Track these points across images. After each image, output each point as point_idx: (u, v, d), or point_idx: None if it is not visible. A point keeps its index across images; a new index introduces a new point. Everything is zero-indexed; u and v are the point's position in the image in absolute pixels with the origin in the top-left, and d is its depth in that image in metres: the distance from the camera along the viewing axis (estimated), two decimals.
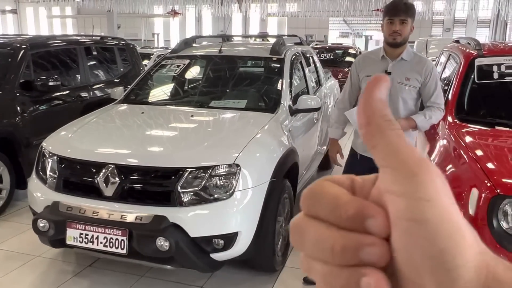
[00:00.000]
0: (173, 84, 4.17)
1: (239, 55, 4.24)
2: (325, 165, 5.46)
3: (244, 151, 2.72)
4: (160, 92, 4.07)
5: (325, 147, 5.13)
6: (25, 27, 41.37)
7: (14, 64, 4.38)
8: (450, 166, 2.61)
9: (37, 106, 4.50)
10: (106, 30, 29.90)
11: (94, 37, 5.86)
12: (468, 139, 2.75)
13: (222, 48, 4.12)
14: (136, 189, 2.64)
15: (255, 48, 4.55)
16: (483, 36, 27.46)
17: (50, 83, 4.45)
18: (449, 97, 3.24)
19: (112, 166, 2.65)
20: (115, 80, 5.74)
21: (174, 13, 25.72)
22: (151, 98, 3.89)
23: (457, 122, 3.00)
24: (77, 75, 5.17)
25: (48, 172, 2.91)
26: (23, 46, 4.53)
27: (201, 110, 3.47)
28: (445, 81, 3.78)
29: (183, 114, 3.37)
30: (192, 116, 3.27)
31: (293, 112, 3.57)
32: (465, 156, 2.49)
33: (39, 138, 4.49)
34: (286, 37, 4.77)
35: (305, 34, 29.44)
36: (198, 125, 3.17)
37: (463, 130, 2.86)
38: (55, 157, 2.87)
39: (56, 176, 2.84)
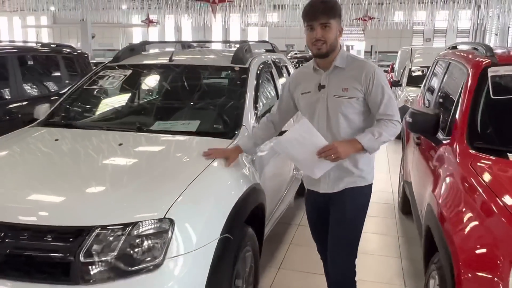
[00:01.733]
0: (109, 101, 3.35)
1: (194, 64, 3.43)
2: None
3: (182, 199, 1.92)
4: (91, 112, 3.23)
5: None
6: None
7: None
8: (469, 217, 1.86)
9: None
10: (78, 40, 28.85)
11: (31, 44, 4.99)
12: (490, 177, 2.01)
13: (173, 57, 3.33)
14: (21, 258, 1.81)
15: (214, 56, 3.77)
16: None
17: None
18: (457, 118, 2.51)
19: None
20: (59, 93, 4.89)
21: (149, 22, 24.80)
22: (78, 119, 3.05)
23: (471, 151, 2.26)
24: (5, 90, 4.30)
25: None
26: None
27: (138, 135, 2.64)
28: (447, 97, 3.07)
29: (110, 142, 2.53)
30: (120, 144, 2.44)
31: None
32: (493, 206, 1.74)
33: None
34: (254, 43, 4.01)
35: (286, 44, 28.92)
36: (125, 159, 2.33)
37: (482, 164, 2.12)
38: None
39: None
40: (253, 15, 31.62)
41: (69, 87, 3.37)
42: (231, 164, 2.32)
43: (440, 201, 2.12)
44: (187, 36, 38.10)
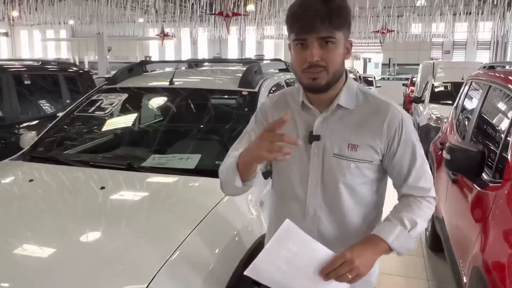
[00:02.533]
0: (100, 131, 2.99)
1: (196, 88, 3.05)
2: None
3: (166, 269, 1.52)
4: (80, 142, 2.87)
5: None
6: (19, 50, 40.66)
7: None
8: None
9: None
10: (95, 53, 29.04)
11: (31, 63, 4.71)
12: None
13: (173, 79, 2.96)
14: None
15: (221, 78, 3.38)
16: (484, 58, 26.67)
17: None
18: (509, 156, 2.06)
19: None
20: (52, 118, 4.58)
21: (164, 35, 24.78)
22: (62, 153, 2.68)
23: None
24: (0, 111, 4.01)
25: None
26: None
27: (125, 174, 2.25)
28: (491, 129, 2.62)
29: (91, 184, 2.14)
30: (102, 188, 2.05)
31: (269, 173, 2.39)
32: None
33: None
34: (266, 61, 3.63)
35: None
36: (105, 209, 1.94)
37: None
38: None
39: None
40: (268, 27, 31.49)
41: (60, 116, 3.02)
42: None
43: (495, 274, 1.67)
44: (203, 49, 38.12)
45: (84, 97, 3.15)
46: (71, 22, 30.56)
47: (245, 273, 1.22)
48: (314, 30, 1.20)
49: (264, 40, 36.25)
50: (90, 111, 2.93)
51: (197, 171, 2.30)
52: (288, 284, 1.22)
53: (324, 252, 1.22)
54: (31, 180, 2.19)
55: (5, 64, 4.35)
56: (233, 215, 2.00)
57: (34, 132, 3.02)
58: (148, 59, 32.45)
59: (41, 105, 4.55)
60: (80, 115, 2.98)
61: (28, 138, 2.91)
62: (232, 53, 37.99)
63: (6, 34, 38.33)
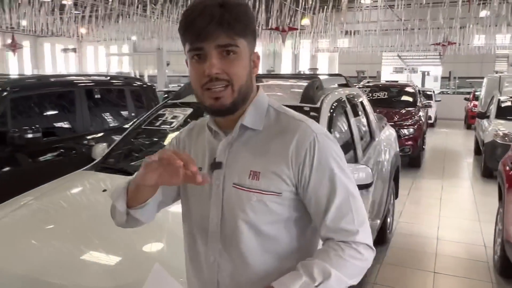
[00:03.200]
0: (165, 142, 3.10)
1: None
2: (381, 238, 4.18)
3: None
4: (147, 153, 3.00)
5: (378, 221, 3.85)
6: (85, 64, 43.30)
7: None
8: None
9: (11, 162, 3.60)
10: (154, 68, 30.33)
11: (100, 77, 5.00)
12: None
13: None
14: None
15: (281, 94, 3.42)
16: None
17: (29, 135, 3.55)
18: None
19: None
20: (119, 130, 4.82)
21: None
22: (132, 164, 2.82)
23: None
24: (71, 124, 4.28)
25: None
26: (4, 89, 3.70)
27: None
28: None
29: None
30: None
31: None
32: None
33: None
34: (326, 77, 3.63)
35: (357, 69, 28.20)
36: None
37: None
38: None
39: None
40: (323, 41, 31.40)
41: (130, 125, 3.18)
42: None
43: None
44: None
45: (150, 111, 3.30)
46: (133, 38, 32.19)
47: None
48: (211, 37, 0.99)
49: (318, 53, 36.22)
50: (156, 124, 3.06)
51: None
52: None
53: None
54: (104, 190, 2.31)
55: (78, 80, 4.65)
56: None
57: (105, 144, 3.20)
58: None
59: (108, 117, 4.81)
60: (147, 129, 3.11)
61: (100, 150, 3.09)
62: (286, 67, 38.24)
63: (74, 50, 40.93)
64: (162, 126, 3.02)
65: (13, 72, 37.09)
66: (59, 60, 42.91)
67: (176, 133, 3.13)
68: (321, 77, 3.33)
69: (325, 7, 16.44)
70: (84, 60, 44.22)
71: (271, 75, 6.71)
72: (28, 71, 38.18)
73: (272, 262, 1.06)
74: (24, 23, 28.48)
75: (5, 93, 3.68)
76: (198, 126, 1.22)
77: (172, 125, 2.96)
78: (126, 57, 43.98)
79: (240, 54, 1.03)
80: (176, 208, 1.24)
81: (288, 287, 0.97)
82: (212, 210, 1.09)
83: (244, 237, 1.06)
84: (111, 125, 4.77)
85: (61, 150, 4.04)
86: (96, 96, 4.59)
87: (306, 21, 23.74)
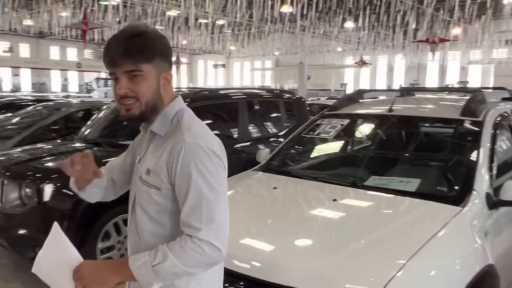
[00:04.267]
0: (324, 151, 3.36)
1: (417, 116, 3.17)
2: None
3: (402, 275, 1.70)
4: (307, 159, 3.30)
5: None
6: (231, 78, 46.92)
7: None
8: None
9: None
10: (295, 81, 31.42)
11: (258, 91, 5.53)
12: None
13: (393, 106, 3.15)
14: None
15: (440, 107, 3.42)
16: None
17: None
18: None
19: None
20: (275, 138, 5.26)
21: (362, 63, 25.17)
22: (294, 168, 3.15)
23: None
24: (234, 131, 4.84)
25: None
26: (185, 100, 4.40)
27: (351, 190, 2.54)
28: None
29: (324, 195, 2.49)
30: (334, 200, 2.37)
31: (494, 204, 2.35)
32: None
33: None
34: (489, 90, 3.51)
35: None
36: (338, 219, 2.25)
37: None
38: None
39: None
40: (476, 51, 28.84)
41: (291, 135, 3.52)
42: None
43: None
44: (399, 76, 37.18)
45: (309, 121, 3.60)
46: (276, 53, 33.93)
47: (32, 270, 1.40)
48: (117, 65, 1.29)
49: (469, 65, 33.32)
50: (315, 133, 3.34)
51: (418, 194, 2.41)
52: (57, 283, 1.36)
53: (76, 258, 1.31)
54: (275, 188, 2.66)
55: (241, 92, 5.25)
56: (454, 244, 2.04)
57: (268, 149, 3.61)
58: (343, 86, 33.36)
59: (265, 126, 5.29)
60: (306, 137, 3.42)
61: (264, 154, 3.49)
62: (431, 80, 35.98)
63: (223, 66, 44.68)
64: (321, 135, 3.29)
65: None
66: (209, 75, 47.23)
67: (333, 142, 3.37)
68: (483, 91, 3.25)
69: (482, 15, 15.21)
70: (231, 75, 47.87)
71: (425, 89, 6.54)
72: (184, 84, 43.02)
73: (160, 242, 1.30)
74: (184, 42, 32.29)
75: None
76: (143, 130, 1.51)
77: (330, 134, 3.21)
78: (268, 72, 46.35)
79: (145, 76, 1.31)
80: None
81: (136, 261, 1.25)
82: (131, 193, 1.46)
83: (140, 218, 1.38)
84: (267, 133, 5.24)
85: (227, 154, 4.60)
86: (255, 107, 5.11)
87: (457, 31, 22.19)
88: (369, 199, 2.45)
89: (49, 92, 30.49)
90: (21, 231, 3.42)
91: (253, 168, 3.27)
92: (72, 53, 37.19)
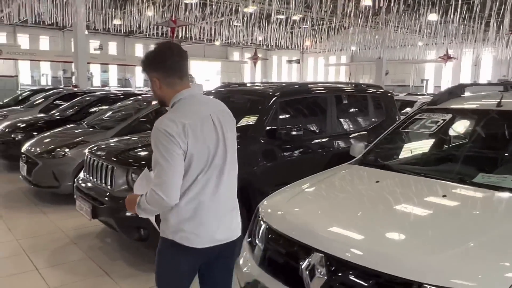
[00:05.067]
0: (425, 146, 3.26)
1: None
2: None
3: None
4: (407, 155, 3.23)
5: None
6: (305, 74, 46.67)
7: (263, 112, 4.36)
8: None
9: (278, 155, 4.33)
10: (374, 76, 30.51)
11: (347, 85, 5.47)
12: None
13: (502, 100, 2.98)
14: None
15: None
16: None
17: (293, 133, 4.22)
18: None
19: (320, 254, 2.00)
20: (363, 132, 5.19)
21: (447, 57, 23.76)
22: (393, 162, 3.09)
23: None
24: (323, 125, 4.85)
25: (257, 240, 2.50)
26: (274, 94, 4.49)
27: (460, 187, 2.45)
28: None
29: (432, 191, 2.43)
30: (444, 196, 2.30)
31: None
32: None
33: (276, 189, 4.35)
34: None
35: None
36: (452, 213, 2.19)
37: None
38: (265, 225, 2.44)
39: (262, 248, 2.40)
40: None
41: (387, 130, 3.46)
42: None
43: None
44: (486, 72, 34.66)
45: (407, 116, 3.51)
46: (353, 48, 33.14)
47: (134, 192, 2.01)
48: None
49: None
50: (414, 128, 3.25)
51: None
52: None
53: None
54: (377, 181, 2.65)
55: (329, 87, 5.24)
56: None
57: (362, 143, 3.58)
58: (424, 82, 31.79)
59: (353, 121, 5.24)
60: (403, 131, 3.34)
61: (359, 148, 3.47)
62: None
63: (297, 61, 44.56)
64: (421, 130, 3.20)
65: (247, 80, 42.89)
66: (283, 70, 47.32)
67: (434, 137, 3.25)
68: None
69: None
70: (305, 70, 47.60)
71: None
72: (258, 79, 43.56)
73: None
74: (260, 38, 32.67)
75: (275, 98, 4.44)
76: None
77: (431, 129, 3.11)
78: (343, 67, 45.45)
79: (153, 81, 2.00)
80: None
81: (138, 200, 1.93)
82: None
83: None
84: (355, 128, 5.19)
85: (314, 148, 4.63)
86: (343, 102, 5.08)
87: None
88: (481, 196, 2.35)
89: (132, 87, 32.54)
90: (128, 213, 3.71)
91: (349, 162, 3.26)
92: None
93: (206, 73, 40.39)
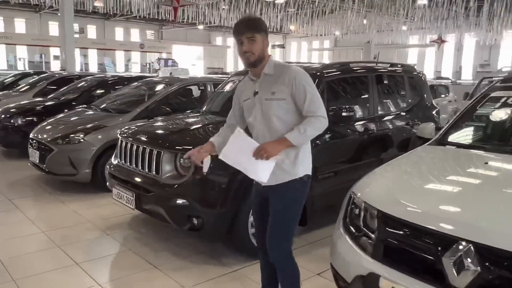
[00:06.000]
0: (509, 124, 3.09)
1: None
2: None
3: None
4: (495, 134, 3.04)
5: None
6: (288, 58, 46.42)
7: None
8: None
9: (327, 137, 4.08)
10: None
11: (385, 65, 5.25)
12: None
13: None
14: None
15: None
16: None
17: (343, 114, 3.98)
18: None
19: (469, 245, 1.79)
20: (402, 113, 5.01)
21: (441, 41, 23.87)
22: (483, 143, 2.91)
23: None
24: (366, 106, 4.63)
25: (362, 229, 2.28)
26: (320, 73, 4.23)
27: None
28: None
29: None
30: None
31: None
32: None
33: (324, 172, 4.13)
34: None
35: None
36: None
37: None
38: (375, 212, 2.21)
39: (373, 238, 2.17)
40: None
41: (462, 110, 3.27)
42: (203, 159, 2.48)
43: None
44: (468, 56, 35.17)
45: (479, 95, 3.32)
46: (337, 33, 32.97)
47: (219, 157, 2.31)
48: (243, 33, 2.30)
49: None
50: (495, 106, 3.07)
51: None
52: (241, 164, 2.28)
53: (255, 144, 2.26)
54: (486, 163, 2.45)
55: (371, 67, 5.01)
56: None
57: (432, 123, 3.38)
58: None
59: (393, 102, 5.04)
60: (482, 111, 3.16)
61: (429, 128, 3.29)
62: (504, 60, 33.70)
63: (282, 46, 44.11)
64: (503, 108, 3.02)
65: (230, 65, 42.38)
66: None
67: None
68: None
69: None
70: (288, 55, 47.32)
71: None
72: (240, 64, 42.97)
73: (282, 128, 2.34)
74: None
75: (323, 77, 4.18)
76: (245, 80, 2.55)
77: None
78: (326, 52, 45.36)
79: (255, 40, 2.31)
80: None
81: (291, 135, 2.26)
82: (257, 113, 2.40)
83: (275, 122, 2.34)
84: (394, 110, 5.00)
85: (360, 130, 4.41)
86: (384, 82, 4.86)
87: None
88: None
89: (114, 72, 31.53)
90: (179, 201, 3.42)
91: (428, 143, 3.06)
92: (135, 34, 38.12)
93: (187, 58, 39.57)
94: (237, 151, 2.25)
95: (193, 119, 4.46)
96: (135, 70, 36.75)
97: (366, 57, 27.62)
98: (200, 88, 6.77)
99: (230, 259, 3.69)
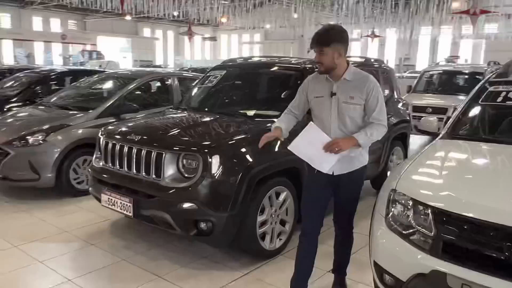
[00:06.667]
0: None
1: None
2: None
3: None
4: (503, 127, 3.20)
5: None
6: (218, 52, 46.02)
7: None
8: None
9: None
10: (296, 54, 31.08)
11: (357, 59, 5.32)
12: None
13: None
14: None
15: None
16: None
17: None
18: None
19: None
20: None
21: (373, 36, 25.05)
22: (495, 136, 3.05)
23: None
24: None
25: (414, 226, 2.26)
26: (312, 68, 4.17)
27: None
28: None
29: None
30: None
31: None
32: None
33: None
34: None
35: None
36: None
37: None
38: (428, 210, 2.21)
39: (431, 235, 2.16)
40: (468, 26, 29.04)
41: (464, 103, 3.39)
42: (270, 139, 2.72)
43: None
44: (390, 50, 37.25)
45: (477, 89, 3.47)
46: (268, 26, 33.27)
47: (288, 147, 2.59)
48: (313, 46, 2.63)
49: (461, 40, 33.71)
50: (497, 100, 3.22)
51: None
52: (308, 155, 2.60)
53: (327, 138, 2.56)
54: None
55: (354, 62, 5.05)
56: None
57: (435, 117, 3.48)
58: None
59: None
60: (484, 104, 3.30)
61: (433, 122, 3.38)
62: (422, 54, 36.25)
63: (214, 39, 43.53)
64: (507, 102, 3.17)
65: (159, 57, 41.02)
66: (196, 47, 45.91)
67: None
68: None
69: None
70: (218, 48, 46.95)
71: None
72: (170, 56, 41.93)
73: (355, 130, 2.64)
74: (175, 13, 31.21)
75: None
76: (316, 77, 2.78)
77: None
78: (257, 45, 45.65)
79: (325, 53, 2.58)
80: None
81: (359, 135, 2.59)
82: (332, 111, 2.66)
83: (348, 121, 2.65)
84: None
85: None
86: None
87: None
88: None
89: (33, 64, 29.03)
90: (186, 205, 3.19)
91: (440, 137, 3.14)
92: (55, 24, 35.54)
93: (113, 50, 37.67)
94: (307, 142, 2.56)
95: (183, 116, 4.20)
96: (57, 63, 34.25)
97: (300, 50, 28.20)
98: (166, 83, 6.43)
99: (235, 262, 3.54)
